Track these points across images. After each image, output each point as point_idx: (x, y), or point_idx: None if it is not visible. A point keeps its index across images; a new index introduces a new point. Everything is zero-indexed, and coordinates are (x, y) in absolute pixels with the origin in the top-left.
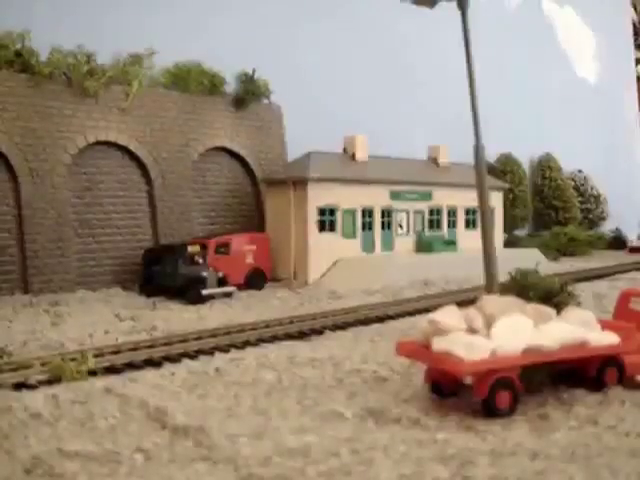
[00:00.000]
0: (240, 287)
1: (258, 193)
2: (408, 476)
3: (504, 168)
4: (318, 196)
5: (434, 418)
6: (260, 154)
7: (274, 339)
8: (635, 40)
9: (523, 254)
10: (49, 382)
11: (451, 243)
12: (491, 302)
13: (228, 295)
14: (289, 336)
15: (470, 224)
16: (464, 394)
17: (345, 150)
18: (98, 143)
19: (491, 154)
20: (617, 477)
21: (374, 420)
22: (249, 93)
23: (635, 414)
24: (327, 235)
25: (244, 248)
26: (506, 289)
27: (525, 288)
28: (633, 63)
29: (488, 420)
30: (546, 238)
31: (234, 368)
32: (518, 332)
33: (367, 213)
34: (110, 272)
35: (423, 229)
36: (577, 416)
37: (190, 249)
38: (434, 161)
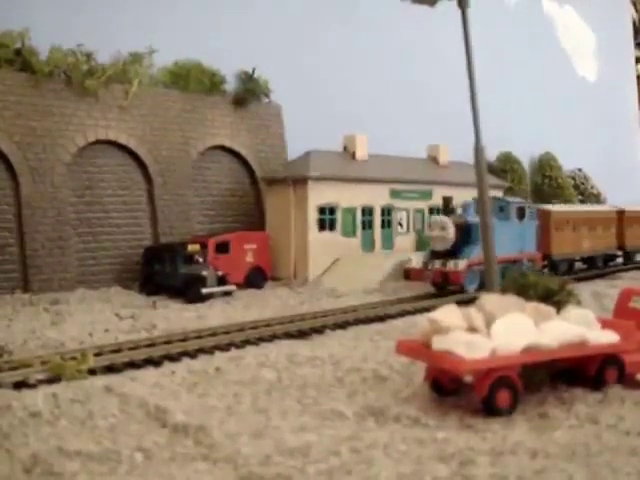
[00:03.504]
0: (240, 286)
1: (258, 192)
2: (408, 475)
3: (504, 167)
4: (318, 195)
5: (434, 417)
6: (260, 153)
7: (274, 338)
8: (635, 38)
9: None
10: (49, 381)
11: None
12: (491, 301)
13: (228, 294)
14: (289, 335)
15: None
16: (464, 393)
17: (345, 149)
18: (98, 142)
19: (491, 153)
20: (617, 476)
21: (374, 419)
22: (249, 92)
23: (635, 413)
24: (327, 234)
25: (244, 247)
26: (506, 288)
27: (525, 287)
28: (633, 61)
29: (488, 419)
30: None
31: (234, 367)
32: (518, 331)
33: (367, 212)
34: (110, 271)
35: (423, 228)
36: (577, 415)
37: (190, 248)
38: (434, 160)
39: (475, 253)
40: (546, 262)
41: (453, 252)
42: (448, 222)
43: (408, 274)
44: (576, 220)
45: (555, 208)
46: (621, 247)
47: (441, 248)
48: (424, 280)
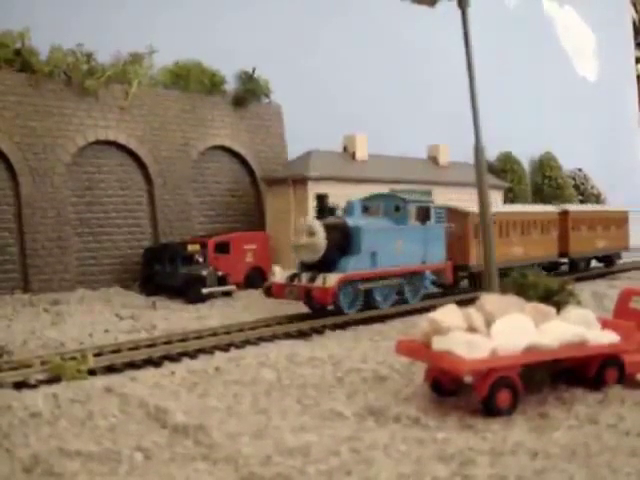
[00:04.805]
0: (240, 286)
1: (258, 192)
2: (408, 475)
3: (504, 167)
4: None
5: (434, 417)
6: (260, 153)
7: (274, 338)
8: (635, 38)
9: None
10: (49, 381)
11: None
12: (491, 301)
13: (228, 294)
14: (289, 335)
15: None
16: (464, 393)
17: (345, 149)
18: (98, 142)
19: (491, 153)
20: (617, 476)
21: (374, 419)
22: (249, 92)
23: (635, 413)
24: None
25: (244, 247)
26: (506, 288)
27: (525, 287)
28: (633, 61)
29: (488, 419)
30: None
31: (234, 367)
32: (518, 331)
33: None
34: (110, 271)
35: None
36: (577, 415)
37: (190, 248)
38: (434, 160)
39: (353, 265)
40: (466, 274)
41: (326, 264)
42: (317, 226)
43: (269, 291)
44: (504, 223)
45: (474, 209)
46: (564, 254)
47: (309, 259)
48: (287, 298)
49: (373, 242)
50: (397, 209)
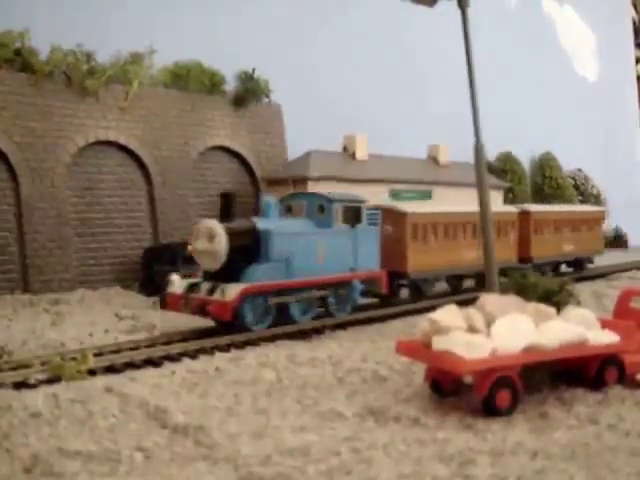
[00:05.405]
0: None
1: (258, 192)
2: (408, 475)
3: (504, 167)
4: None
5: (434, 417)
6: (260, 153)
7: (274, 338)
8: (635, 39)
9: None
10: (49, 381)
11: None
12: (491, 301)
13: None
14: (289, 335)
15: None
16: (464, 393)
17: (345, 149)
18: (98, 142)
19: (491, 153)
20: (617, 476)
21: (374, 419)
22: (249, 92)
23: (635, 413)
24: None
25: None
26: (506, 289)
27: (525, 287)
28: (633, 61)
29: (488, 419)
30: None
31: (234, 367)
32: (518, 331)
33: None
34: (110, 271)
35: None
36: (577, 415)
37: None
38: (434, 160)
39: (262, 274)
40: (406, 282)
41: (230, 273)
42: (218, 228)
43: (164, 302)
44: (450, 225)
45: (413, 209)
46: (526, 259)
47: (210, 267)
48: (182, 311)
49: (287, 248)
50: (321, 209)
